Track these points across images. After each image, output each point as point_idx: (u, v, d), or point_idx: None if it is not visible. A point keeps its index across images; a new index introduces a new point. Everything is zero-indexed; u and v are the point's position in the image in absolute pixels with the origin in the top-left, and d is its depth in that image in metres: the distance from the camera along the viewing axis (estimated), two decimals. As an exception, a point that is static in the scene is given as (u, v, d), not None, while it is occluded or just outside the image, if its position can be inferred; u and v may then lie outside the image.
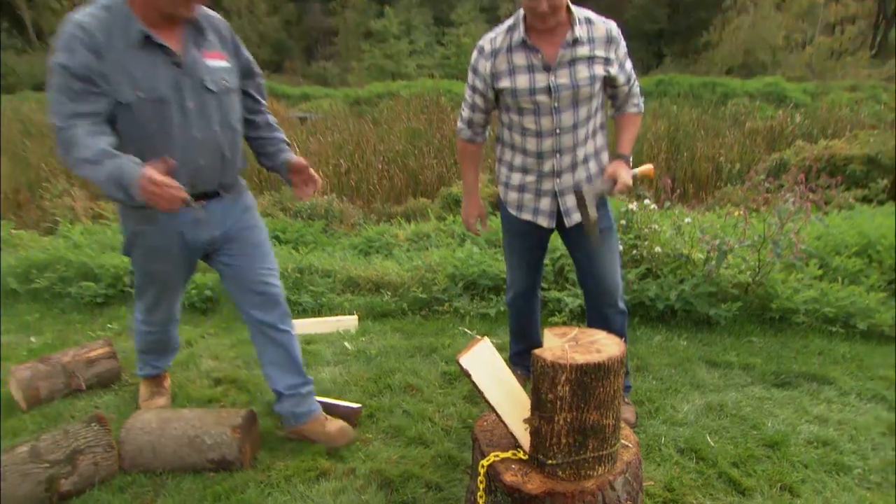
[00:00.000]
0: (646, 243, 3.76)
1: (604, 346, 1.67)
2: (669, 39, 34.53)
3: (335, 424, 2.42)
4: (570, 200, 2.37)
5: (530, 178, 2.39)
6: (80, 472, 2.14)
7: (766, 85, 17.68)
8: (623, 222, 3.86)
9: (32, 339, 3.52)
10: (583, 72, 2.21)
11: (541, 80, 2.21)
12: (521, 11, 2.22)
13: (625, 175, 2.25)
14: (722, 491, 2.14)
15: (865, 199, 7.12)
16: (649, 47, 33.63)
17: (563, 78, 2.20)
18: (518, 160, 2.40)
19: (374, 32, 29.57)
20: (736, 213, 3.88)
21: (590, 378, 1.57)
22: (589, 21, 2.24)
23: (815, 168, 8.50)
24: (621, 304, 2.54)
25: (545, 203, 2.40)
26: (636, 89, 2.42)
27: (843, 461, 2.27)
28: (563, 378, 1.57)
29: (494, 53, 2.26)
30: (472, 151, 2.54)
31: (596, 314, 2.57)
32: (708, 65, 25.38)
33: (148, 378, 2.72)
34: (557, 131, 2.28)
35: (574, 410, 1.60)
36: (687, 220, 3.85)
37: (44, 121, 13.20)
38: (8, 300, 4.02)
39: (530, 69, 2.22)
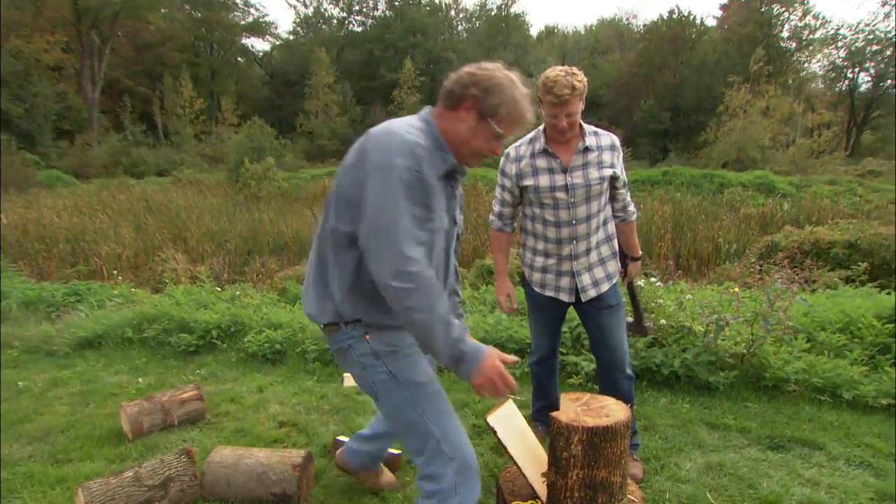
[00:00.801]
0: (652, 316, 3.69)
1: (612, 411, 1.65)
2: (673, 137, 34.84)
3: (387, 477, 2.35)
4: (586, 279, 2.39)
5: (551, 261, 2.41)
6: (170, 497, 2.17)
7: (756, 177, 17.50)
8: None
9: (140, 379, 3.63)
10: (593, 173, 2.29)
11: (559, 179, 2.30)
12: (542, 127, 2.36)
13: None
14: (721, 546, 2.00)
15: (849, 280, 6.86)
16: (656, 143, 33.93)
17: (577, 178, 2.29)
18: (540, 245, 2.43)
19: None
20: (731, 291, 3.78)
21: (599, 439, 1.55)
22: (596, 133, 2.36)
23: (801, 251, 8.31)
24: (629, 371, 2.51)
25: (565, 282, 2.41)
26: (629, 197, 2.52)
27: (834, 524, 2.11)
28: (577, 439, 1.55)
29: (519, 159, 2.37)
30: (502, 239, 2.58)
31: (607, 378, 2.53)
32: (706, 159, 25.36)
33: None
34: (574, 222, 2.33)
35: (585, 468, 1.56)
36: (688, 296, 3.78)
37: (162, 200, 14.11)
38: (123, 345, 4.18)
39: (550, 171, 2.31)
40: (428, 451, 1.49)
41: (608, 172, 2.33)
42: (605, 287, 2.42)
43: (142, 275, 7.94)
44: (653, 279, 3.85)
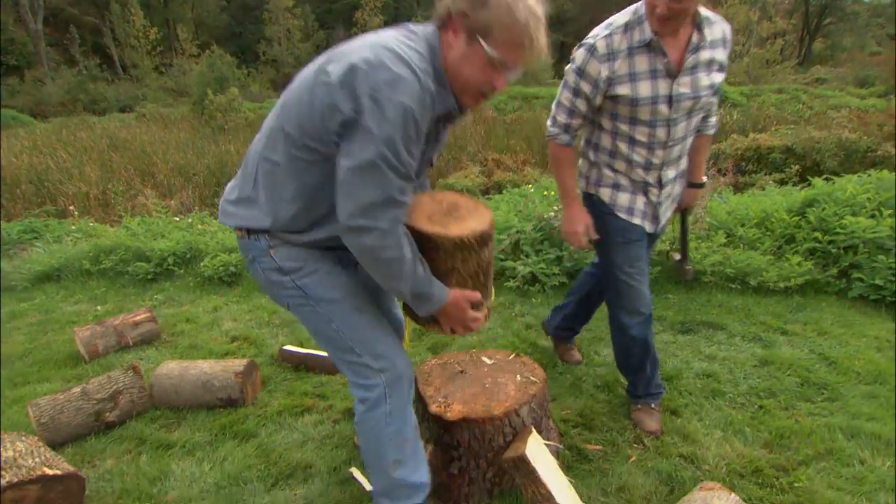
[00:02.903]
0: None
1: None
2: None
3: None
4: (665, 210, 1.89)
5: (636, 184, 1.83)
6: (121, 407, 2.22)
7: (710, 88, 17.28)
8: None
9: (98, 307, 3.61)
10: (703, 80, 1.68)
11: (663, 87, 1.65)
12: (641, 6, 1.63)
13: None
14: (622, 416, 2.16)
15: (782, 182, 7.01)
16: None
17: (684, 87, 1.66)
18: (621, 165, 1.82)
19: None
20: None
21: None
22: (709, 21, 1.66)
23: (744, 158, 8.41)
24: (647, 309, 2.00)
25: (647, 208, 1.87)
26: (716, 104, 1.90)
27: (720, 388, 2.29)
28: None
29: (612, 55, 1.65)
30: (569, 155, 1.86)
31: (620, 320, 2.03)
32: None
33: None
34: (670, 143, 1.74)
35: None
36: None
37: (126, 136, 13.40)
38: (82, 277, 4.11)
39: (653, 75, 1.65)
40: (352, 365, 1.39)
41: (719, 78, 1.71)
42: (668, 217, 1.94)
43: (113, 212, 7.70)
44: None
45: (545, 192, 4.87)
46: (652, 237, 1.96)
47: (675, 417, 2.12)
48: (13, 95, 22.12)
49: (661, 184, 1.81)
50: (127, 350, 2.88)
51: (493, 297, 1.49)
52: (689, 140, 1.83)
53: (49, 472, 1.63)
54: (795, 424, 2.04)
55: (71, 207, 6.65)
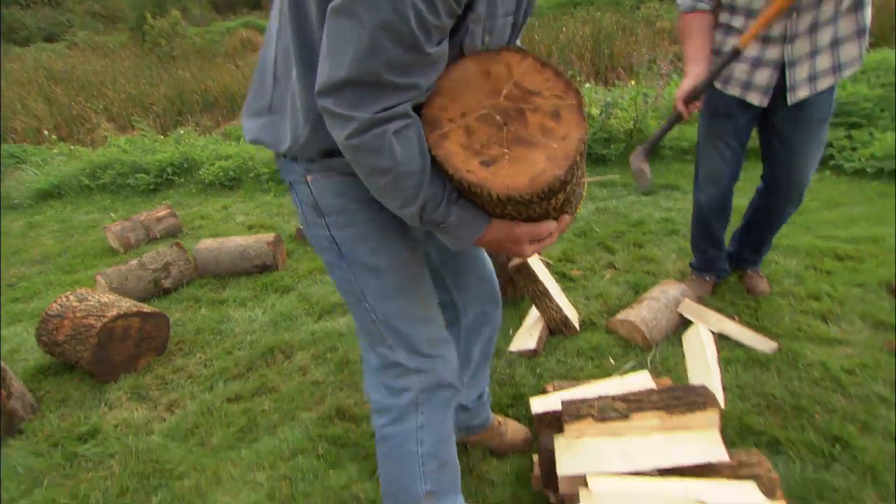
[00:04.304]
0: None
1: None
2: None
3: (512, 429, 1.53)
4: (801, 71, 1.63)
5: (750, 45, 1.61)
6: (173, 276, 2.60)
7: (672, -12, 17.20)
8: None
9: (112, 215, 3.86)
10: None
11: None
12: None
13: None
14: (598, 252, 2.66)
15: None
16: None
17: None
18: (737, 22, 1.63)
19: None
20: (620, 78, 4.22)
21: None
22: None
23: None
24: (800, 200, 1.90)
25: (762, 76, 1.66)
26: None
27: (675, 228, 2.80)
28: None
29: None
30: (703, 22, 1.67)
31: (767, 211, 1.95)
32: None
33: None
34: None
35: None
36: (587, 85, 4.19)
37: (63, 67, 12.68)
38: (84, 192, 4.31)
39: None
40: (381, 356, 1.01)
41: None
42: (824, 84, 1.64)
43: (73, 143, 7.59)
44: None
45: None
46: (781, 112, 1.72)
47: (640, 248, 2.64)
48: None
49: (790, 38, 1.60)
50: (156, 242, 3.21)
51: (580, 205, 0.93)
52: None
53: (145, 308, 2.03)
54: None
55: (45, 132, 6.57)
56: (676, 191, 3.35)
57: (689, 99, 1.67)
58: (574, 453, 1.11)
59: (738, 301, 2.11)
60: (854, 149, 3.62)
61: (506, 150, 0.74)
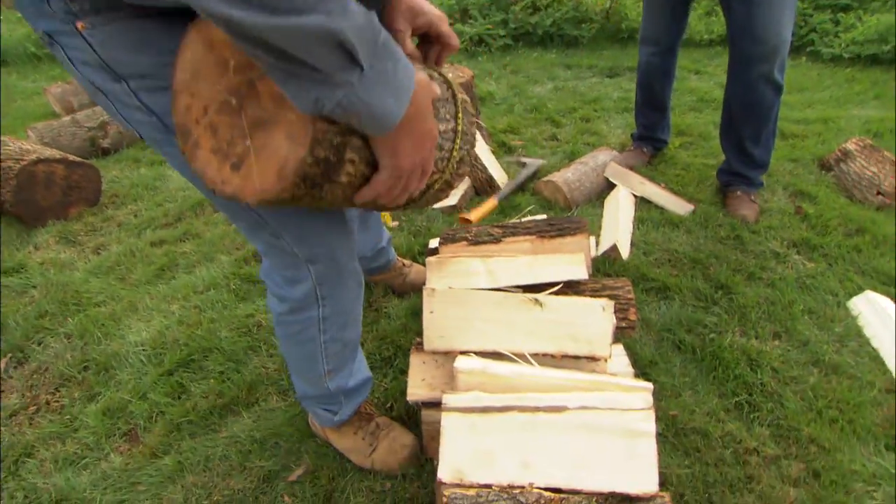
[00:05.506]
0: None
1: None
2: None
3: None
4: None
5: None
6: (111, 137, 2.55)
7: None
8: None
9: (59, 83, 3.72)
10: None
11: None
12: None
13: None
14: (544, 125, 2.62)
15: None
16: None
17: None
18: None
19: None
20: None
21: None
22: None
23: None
24: (777, 75, 1.64)
25: None
26: None
27: (630, 107, 2.73)
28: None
29: None
30: None
31: (739, 83, 1.71)
32: None
33: None
34: None
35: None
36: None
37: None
38: (32, 61, 4.12)
39: None
40: (265, 243, 0.84)
41: None
42: None
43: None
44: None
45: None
46: None
47: (587, 122, 2.60)
48: None
49: None
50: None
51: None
52: None
53: (70, 157, 2.02)
54: (680, 118, 2.55)
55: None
56: (641, 72, 3.24)
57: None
58: (444, 272, 1.16)
59: (668, 171, 2.13)
60: (837, 35, 3.47)
61: (248, 143, 0.56)
